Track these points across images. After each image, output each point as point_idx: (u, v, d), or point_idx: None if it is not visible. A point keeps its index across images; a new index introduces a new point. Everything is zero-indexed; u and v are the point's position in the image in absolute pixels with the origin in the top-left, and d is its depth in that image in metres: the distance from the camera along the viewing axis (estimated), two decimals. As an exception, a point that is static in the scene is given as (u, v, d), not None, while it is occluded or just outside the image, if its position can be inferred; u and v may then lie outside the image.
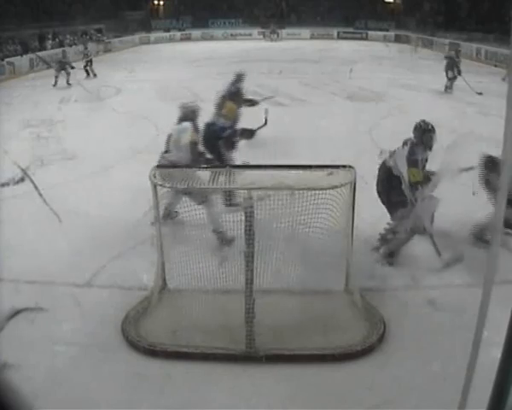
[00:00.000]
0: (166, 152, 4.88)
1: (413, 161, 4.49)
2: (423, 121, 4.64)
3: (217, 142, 5.53)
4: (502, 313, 1.51)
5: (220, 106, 6.20)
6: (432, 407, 2.81)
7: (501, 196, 1.49)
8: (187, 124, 4.86)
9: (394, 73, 16.57)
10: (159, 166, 3.53)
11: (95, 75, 16.70)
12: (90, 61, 16.89)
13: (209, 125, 5.65)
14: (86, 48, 17.68)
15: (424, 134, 4.58)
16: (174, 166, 4.04)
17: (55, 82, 14.65)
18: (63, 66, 14.94)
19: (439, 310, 3.74)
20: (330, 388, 3.03)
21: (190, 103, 5.29)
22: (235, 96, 6.54)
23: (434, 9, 28.44)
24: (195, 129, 4.93)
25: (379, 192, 4.60)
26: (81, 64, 16.66)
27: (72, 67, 15.12)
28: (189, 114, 5.00)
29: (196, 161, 4.66)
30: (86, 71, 16.62)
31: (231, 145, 5.70)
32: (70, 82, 14.79)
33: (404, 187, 4.43)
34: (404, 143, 4.59)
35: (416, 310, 3.75)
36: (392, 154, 4.62)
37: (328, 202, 3.34)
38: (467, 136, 8.46)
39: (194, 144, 4.75)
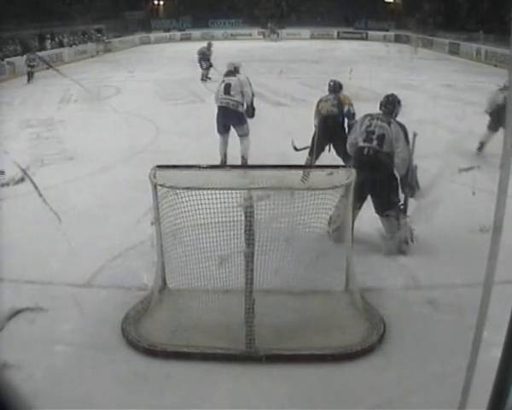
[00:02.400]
0: (227, 94, 6.60)
1: (406, 135, 4.48)
2: (392, 93, 4.77)
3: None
4: (502, 313, 1.51)
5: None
6: (432, 407, 2.81)
7: (501, 196, 1.49)
8: (240, 76, 6.80)
9: (394, 73, 16.57)
10: (159, 167, 3.52)
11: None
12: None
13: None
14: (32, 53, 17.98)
15: (398, 106, 4.67)
16: (175, 166, 4.03)
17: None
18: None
19: (439, 310, 3.74)
20: (330, 388, 3.03)
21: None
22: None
23: (434, 9, 28.43)
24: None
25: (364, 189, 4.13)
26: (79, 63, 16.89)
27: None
28: (235, 69, 6.93)
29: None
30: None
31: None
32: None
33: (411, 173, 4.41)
34: (376, 119, 4.50)
35: (416, 310, 3.75)
36: (382, 138, 4.39)
37: (328, 202, 3.34)
38: (466, 136, 8.46)
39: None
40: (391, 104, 4.61)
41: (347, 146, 4.77)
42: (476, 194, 5.30)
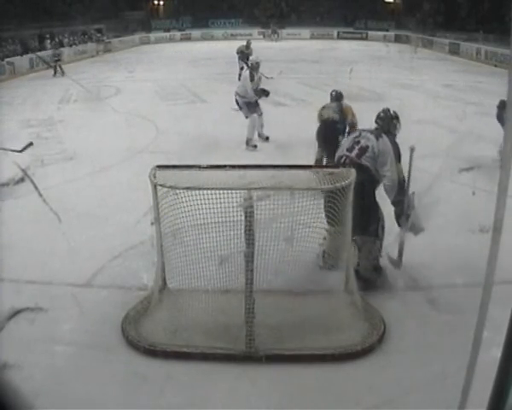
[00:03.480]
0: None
1: (399, 155, 4.03)
2: (387, 109, 4.38)
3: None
4: (502, 313, 1.51)
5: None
6: (432, 407, 2.81)
7: (501, 196, 1.49)
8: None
9: (394, 73, 16.57)
10: (159, 167, 3.52)
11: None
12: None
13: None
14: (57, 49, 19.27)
15: (391, 122, 4.27)
16: (175, 166, 4.03)
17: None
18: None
19: (439, 310, 3.73)
20: (330, 388, 3.03)
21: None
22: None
23: (434, 9, 28.45)
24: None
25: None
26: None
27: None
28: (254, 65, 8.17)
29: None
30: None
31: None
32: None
33: (400, 189, 3.97)
34: (368, 133, 4.12)
35: (416, 310, 3.75)
36: (365, 150, 4.00)
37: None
38: (466, 136, 8.47)
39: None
40: (382, 120, 4.27)
41: (336, 156, 4.38)
42: (476, 194, 5.30)
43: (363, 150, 4.01)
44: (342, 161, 4.06)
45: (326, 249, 3.91)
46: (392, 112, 4.33)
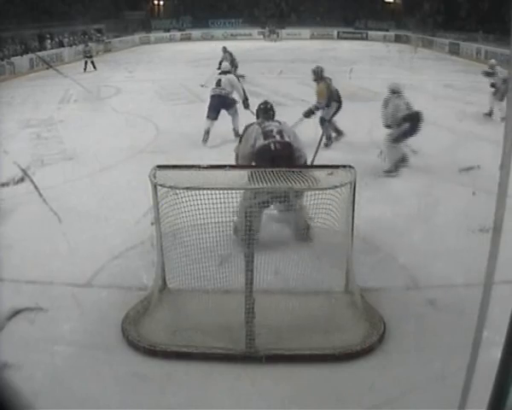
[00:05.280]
0: (219, 86, 8.32)
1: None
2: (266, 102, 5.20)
3: None
4: (502, 313, 1.51)
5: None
6: (432, 407, 2.81)
7: (501, 196, 1.49)
8: (231, 75, 8.67)
9: (394, 73, 16.53)
10: (159, 167, 3.52)
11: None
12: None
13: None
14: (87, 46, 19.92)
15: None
16: (175, 166, 4.03)
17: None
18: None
19: (439, 310, 3.73)
20: (330, 388, 3.03)
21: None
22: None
23: (434, 9, 28.42)
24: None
25: None
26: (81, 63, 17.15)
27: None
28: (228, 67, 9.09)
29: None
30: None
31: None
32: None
33: None
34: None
35: (416, 310, 3.75)
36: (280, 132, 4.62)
37: (328, 201, 3.34)
38: (466, 136, 8.47)
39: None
40: (271, 110, 5.01)
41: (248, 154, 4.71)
42: (476, 194, 5.30)
43: (281, 132, 4.63)
44: (273, 147, 4.52)
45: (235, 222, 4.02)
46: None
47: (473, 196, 5.30)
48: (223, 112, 8.38)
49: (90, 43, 21.20)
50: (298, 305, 3.46)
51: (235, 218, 3.75)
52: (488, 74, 10.12)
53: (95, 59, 19.10)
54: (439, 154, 7.39)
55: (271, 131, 4.59)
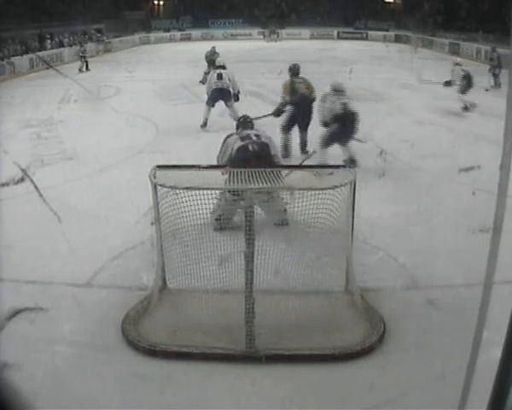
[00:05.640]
0: (220, 80, 9.14)
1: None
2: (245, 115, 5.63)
3: None
4: (502, 313, 1.51)
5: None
6: (432, 407, 2.81)
7: (501, 196, 1.49)
8: (229, 70, 9.46)
9: (394, 73, 16.57)
10: (159, 167, 3.52)
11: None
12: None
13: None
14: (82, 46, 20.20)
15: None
16: (175, 166, 4.04)
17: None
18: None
19: (439, 310, 3.73)
20: (330, 388, 3.03)
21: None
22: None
23: (434, 9, 28.41)
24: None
25: None
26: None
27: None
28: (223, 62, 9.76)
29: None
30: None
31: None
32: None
33: None
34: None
35: (416, 310, 3.75)
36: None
37: (328, 202, 3.35)
38: (466, 136, 8.47)
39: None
40: (250, 122, 5.43)
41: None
42: (476, 194, 5.31)
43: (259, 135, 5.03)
44: (251, 148, 4.80)
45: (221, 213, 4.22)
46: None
47: (473, 195, 5.30)
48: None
49: (85, 44, 21.32)
50: (298, 305, 3.45)
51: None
52: (447, 84, 11.14)
53: (95, 59, 19.17)
54: (439, 154, 7.40)
55: (248, 134, 4.94)
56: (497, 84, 13.69)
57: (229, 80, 9.18)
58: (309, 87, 7.59)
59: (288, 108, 7.49)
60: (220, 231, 3.97)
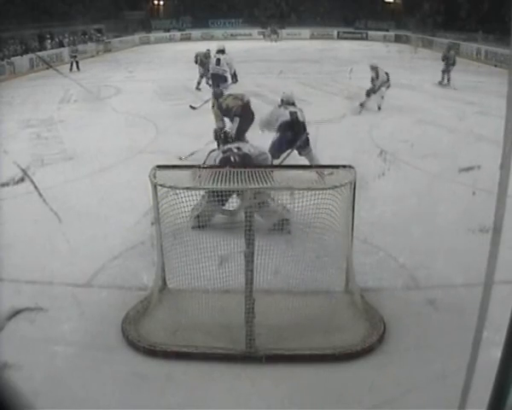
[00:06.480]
0: (218, 65, 10.41)
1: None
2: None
3: None
4: (502, 313, 1.51)
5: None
6: (432, 407, 2.81)
7: (501, 196, 1.49)
8: (227, 55, 10.79)
9: (394, 73, 16.51)
10: (159, 167, 3.52)
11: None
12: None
13: None
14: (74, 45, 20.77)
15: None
16: (175, 166, 4.04)
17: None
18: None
19: (439, 310, 3.73)
20: (330, 388, 3.03)
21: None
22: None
23: (434, 9, 28.40)
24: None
25: None
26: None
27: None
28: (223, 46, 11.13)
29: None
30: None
31: None
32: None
33: None
34: None
35: (416, 310, 3.75)
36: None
37: (328, 201, 3.34)
38: (466, 136, 8.47)
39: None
40: (230, 138, 5.96)
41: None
42: (476, 194, 5.31)
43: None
44: (233, 159, 4.89)
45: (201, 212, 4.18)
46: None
47: (473, 195, 5.30)
48: None
49: (77, 44, 21.67)
50: (298, 305, 3.45)
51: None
52: (369, 94, 10.76)
53: (95, 59, 19.21)
54: (439, 154, 7.40)
55: (230, 148, 5.12)
56: (448, 80, 14.22)
57: (227, 64, 10.35)
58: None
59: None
60: (199, 229, 3.87)
